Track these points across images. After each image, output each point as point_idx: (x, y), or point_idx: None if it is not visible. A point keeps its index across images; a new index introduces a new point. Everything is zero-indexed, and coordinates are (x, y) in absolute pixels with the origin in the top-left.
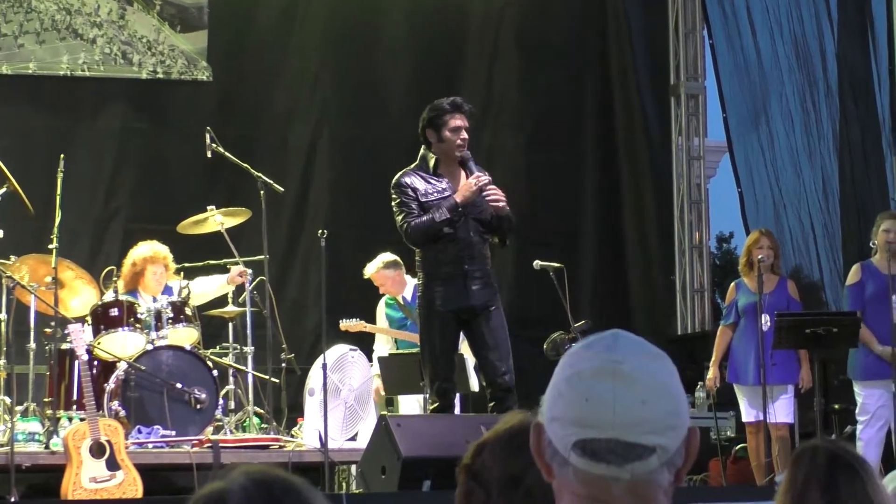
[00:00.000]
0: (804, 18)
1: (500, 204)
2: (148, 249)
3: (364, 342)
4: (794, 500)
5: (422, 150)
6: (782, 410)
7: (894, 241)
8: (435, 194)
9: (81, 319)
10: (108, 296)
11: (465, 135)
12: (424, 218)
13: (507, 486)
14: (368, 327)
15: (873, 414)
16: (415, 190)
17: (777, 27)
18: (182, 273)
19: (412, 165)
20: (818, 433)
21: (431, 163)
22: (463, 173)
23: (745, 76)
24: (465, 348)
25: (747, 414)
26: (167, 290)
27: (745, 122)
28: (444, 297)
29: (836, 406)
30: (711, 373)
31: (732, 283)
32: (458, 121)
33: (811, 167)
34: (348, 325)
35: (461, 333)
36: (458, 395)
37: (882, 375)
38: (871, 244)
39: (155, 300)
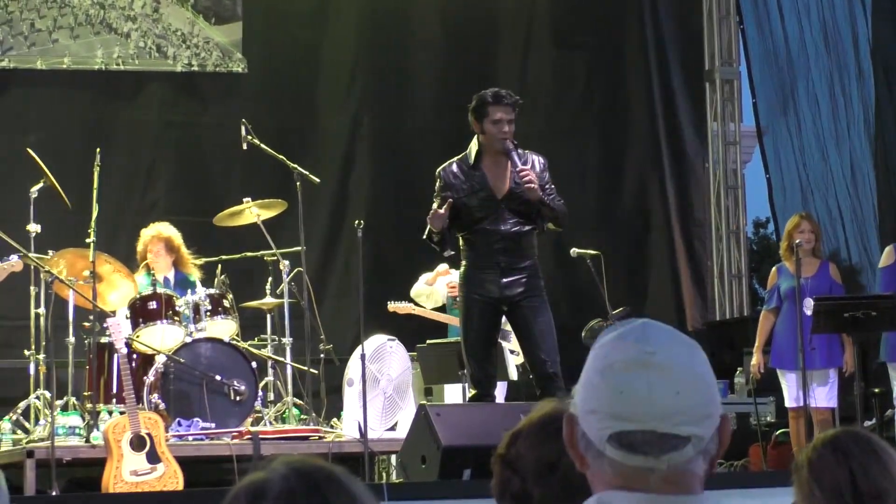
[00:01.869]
0: (835, 3)
1: (531, 185)
2: (151, 230)
3: (403, 331)
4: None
5: (473, 139)
6: (824, 395)
7: None
8: (465, 190)
9: (120, 313)
10: (147, 289)
11: (506, 127)
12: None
13: (543, 472)
14: (417, 310)
15: None
16: (449, 185)
17: (805, 12)
18: (221, 266)
19: (460, 155)
20: (858, 417)
21: (473, 154)
22: (508, 163)
23: (773, 62)
24: (503, 337)
25: (790, 398)
26: (183, 279)
27: (773, 108)
28: (480, 288)
29: (877, 390)
30: (756, 359)
31: (774, 268)
32: (499, 113)
33: (838, 153)
34: (397, 307)
35: (501, 322)
36: (504, 383)
37: None
38: None
39: (193, 292)
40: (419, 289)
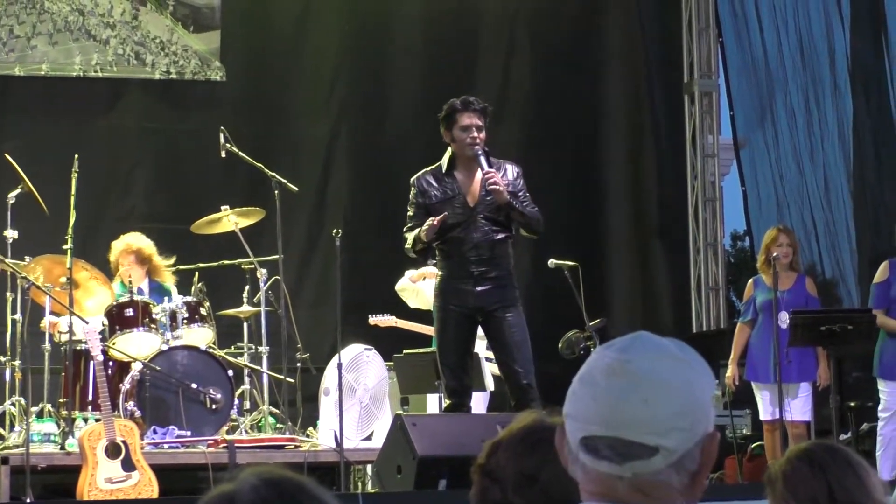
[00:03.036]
0: (811, 16)
1: (496, 188)
2: (121, 241)
3: (380, 341)
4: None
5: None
6: (799, 408)
7: None
8: (439, 197)
9: (96, 320)
10: (124, 296)
11: (475, 133)
12: (407, 235)
13: (523, 483)
14: (400, 323)
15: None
16: (422, 193)
17: (783, 25)
18: (198, 274)
19: (433, 165)
20: (834, 431)
21: (446, 162)
22: (479, 170)
23: (752, 74)
24: (480, 347)
25: (765, 411)
26: (157, 288)
27: (751, 121)
28: (455, 298)
29: (853, 403)
30: (730, 370)
31: (751, 280)
32: (467, 119)
33: (813, 166)
34: (378, 321)
35: (477, 333)
36: (487, 393)
37: None
38: (894, 243)
39: (140, 292)
40: (404, 284)
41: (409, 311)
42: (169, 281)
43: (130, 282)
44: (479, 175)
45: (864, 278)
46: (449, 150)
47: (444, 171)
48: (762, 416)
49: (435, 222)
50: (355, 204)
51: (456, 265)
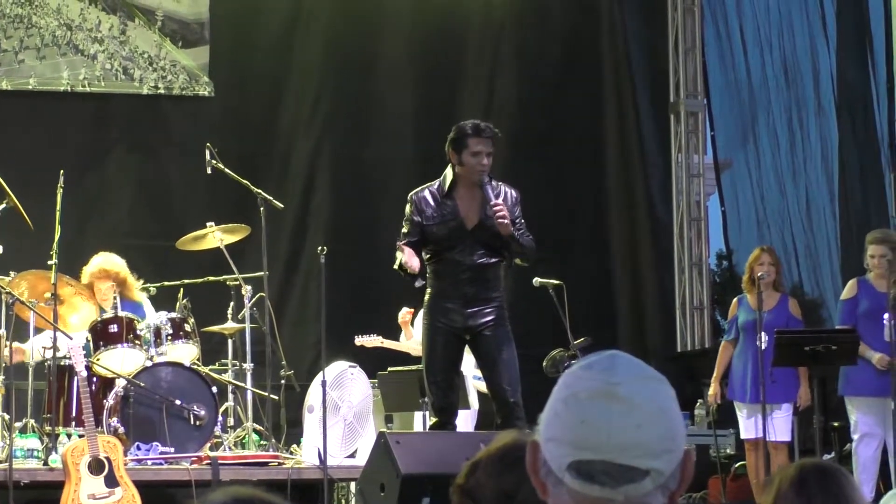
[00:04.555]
0: (796, 37)
1: (503, 222)
2: (97, 264)
3: (364, 359)
4: None
5: (447, 168)
6: (781, 428)
7: (879, 266)
8: (436, 218)
9: (80, 336)
10: (108, 312)
11: (485, 160)
12: (397, 253)
13: (502, 502)
14: (386, 343)
15: (865, 431)
16: (420, 212)
17: (767, 46)
18: (183, 290)
19: (433, 182)
20: (817, 450)
21: (447, 183)
22: (481, 195)
23: (735, 95)
24: (465, 366)
25: (746, 431)
26: (131, 307)
27: (733, 142)
28: (444, 316)
29: (836, 423)
30: (713, 389)
31: (735, 299)
32: (479, 146)
33: (795, 187)
34: (364, 341)
35: (464, 352)
36: (475, 411)
37: (874, 392)
38: (865, 263)
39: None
40: (411, 345)
41: (395, 330)
42: (139, 297)
43: (117, 303)
44: (480, 199)
45: None
46: (449, 170)
47: (444, 192)
48: (743, 435)
49: (412, 268)
50: (338, 221)
51: (448, 286)
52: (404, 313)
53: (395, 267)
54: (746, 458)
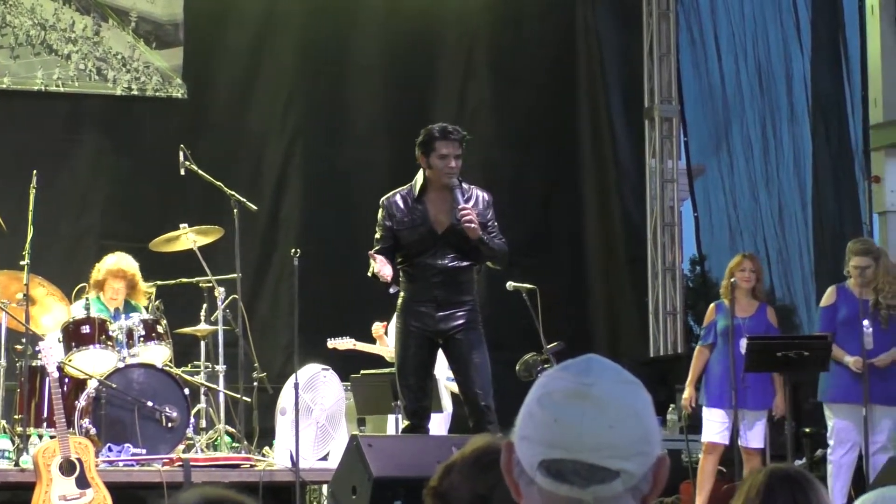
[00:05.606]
0: (771, 44)
1: (471, 226)
2: (114, 262)
3: (337, 361)
4: None
5: (419, 172)
6: (755, 435)
7: (862, 276)
8: (407, 222)
9: (52, 336)
10: (80, 312)
11: (453, 163)
12: (373, 263)
13: None
14: (359, 346)
15: (843, 438)
16: (391, 216)
17: (742, 52)
18: (153, 292)
19: (404, 186)
20: (789, 456)
21: (418, 186)
22: (452, 198)
23: (709, 101)
24: (438, 369)
25: (713, 433)
26: (130, 310)
27: (706, 148)
28: (417, 319)
29: (808, 430)
30: (687, 392)
31: (712, 305)
32: (446, 148)
33: (767, 194)
34: (337, 343)
35: (436, 355)
36: (448, 414)
37: (852, 399)
38: (844, 271)
39: (116, 315)
40: (380, 349)
41: (368, 333)
42: (143, 301)
43: (121, 305)
44: (450, 203)
45: None
46: (420, 173)
47: (415, 195)
48: (706, 438)
49: (384, 277)
50: (310, 223)
51: (419, 289)
52: (377, 327)
53: (369, 275)
54: (700, 460)
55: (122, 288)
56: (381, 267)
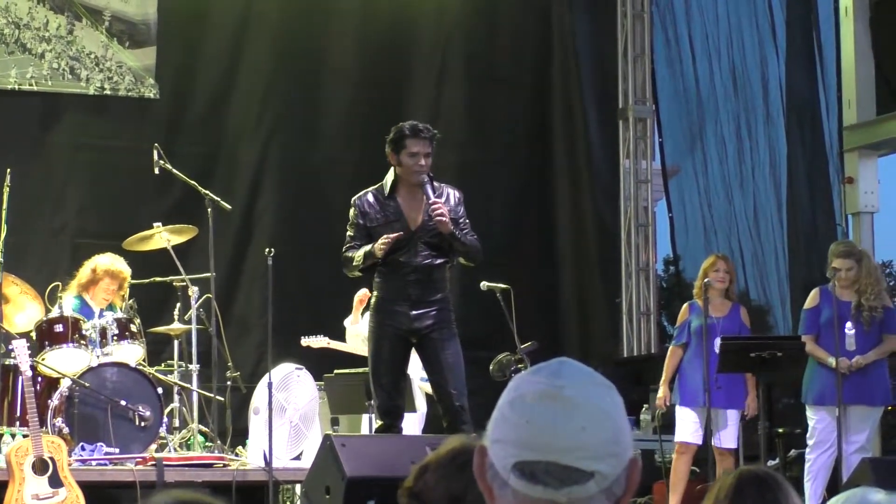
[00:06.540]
0: (746, 45)
1: (442, 219)
2: (111, 262)
3: (311, 361)
4: None
5: (390, 170)
6: (726, 436)
7: (845, 279)
8: (380, 220)
9: (26, 335)
10: (54, 311)
11: (423, 160)
12: (350, 254)
13: None
14: (333, 344)
15: (822, 438)
16: (363, 214)
17: (716, 54)
18: (127, 291)
19: (376, 185)
20: (762, 456)
21: (388, 184)
22: (423, 196)
23: (683, 102)
24: (412, 369)
25: (685, 433)
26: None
27: (681, 148)
28: (391, 318)
29: (781, 430)
30: (661, 391)
31: (686, 304)
32: (416, 146)
33: (742, 195)
34: (310, 342)
35: (410, 355)
36: (422, 414)
37: (834, 401)
38: (827, 274)
39: (101, 315)
40: (351, 333)
41: (341, 332)
42: (119, 302)
43: (108, 305)
44: (422, 200)
45: (797, 306)
46: (392, 172)
47: (386, 193)
48: (679, 438)
49: (390, 239)
50: (284, 222)
51: (394, 287)
52: (363, 294)
53: (355, 263)
54: (674, 460)
55: (115, 290)
56: (385, 239)
